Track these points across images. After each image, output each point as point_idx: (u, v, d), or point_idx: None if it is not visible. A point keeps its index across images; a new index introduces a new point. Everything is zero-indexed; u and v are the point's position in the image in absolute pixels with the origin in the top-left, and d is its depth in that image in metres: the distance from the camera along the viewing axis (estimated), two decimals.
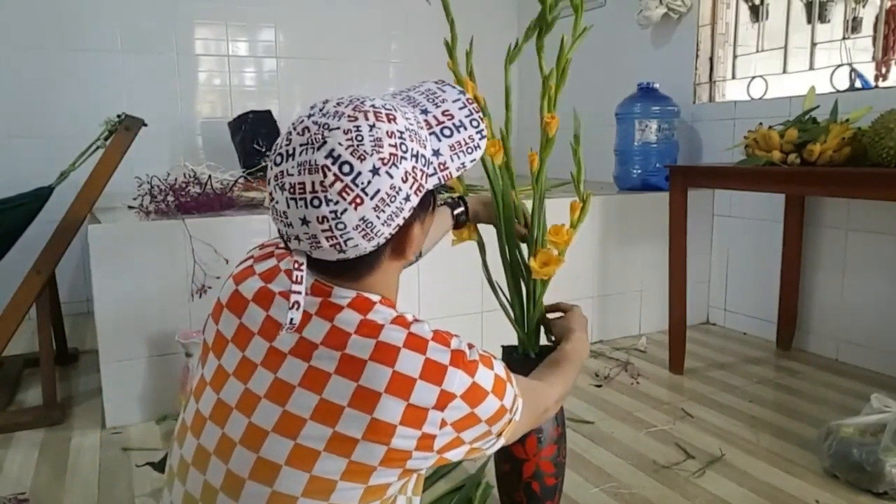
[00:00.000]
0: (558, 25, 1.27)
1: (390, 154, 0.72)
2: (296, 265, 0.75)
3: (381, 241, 0.75)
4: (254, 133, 2.91)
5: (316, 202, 0.70)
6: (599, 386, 2.10)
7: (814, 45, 2.43)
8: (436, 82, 0.89)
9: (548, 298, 1.28)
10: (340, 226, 0.71)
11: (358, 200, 0.71)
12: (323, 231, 0.72)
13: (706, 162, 2.72)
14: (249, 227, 1.95)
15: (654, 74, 2.77)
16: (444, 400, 0.72)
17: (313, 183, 0.70)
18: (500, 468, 1.33)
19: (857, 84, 2.24)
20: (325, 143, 0.71)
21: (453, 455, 0.77)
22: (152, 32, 3.05)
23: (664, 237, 2.21)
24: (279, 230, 0.77)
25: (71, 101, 2.92)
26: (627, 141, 2.68)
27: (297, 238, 0.74)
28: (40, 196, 1.97)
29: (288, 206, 0.72)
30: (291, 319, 0.73)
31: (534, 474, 1.27)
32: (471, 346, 0.78)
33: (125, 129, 1.91)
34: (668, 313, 2.21)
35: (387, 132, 0.72)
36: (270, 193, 0.75)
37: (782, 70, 2.54)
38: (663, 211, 2.21)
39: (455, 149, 0.81)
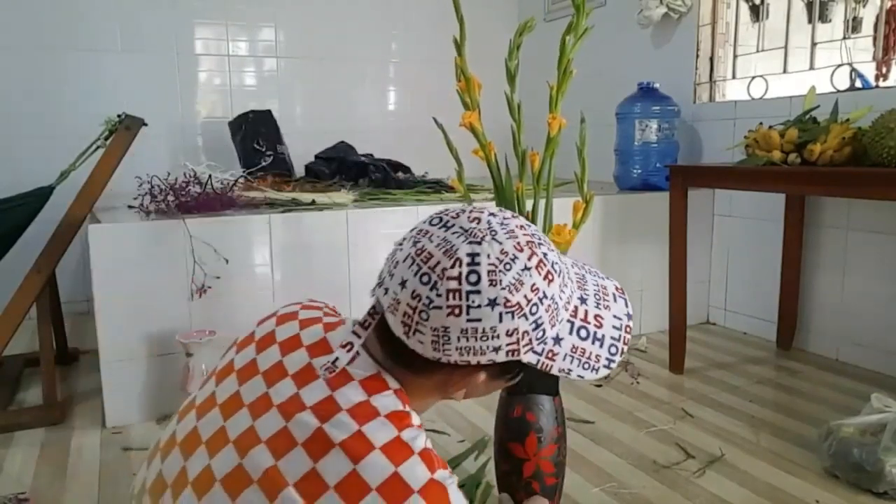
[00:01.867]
0: (556, 26, 1.26)
1: (517, 303, 0.67)
2: (370, 311, 0.74)
3: (444, 359, 0.70)
4: (254, 133, 2.92)
5: (425, 280, 0.67)
6: (599, 386, 2.10)
7: (814, 44, 2.43)
8: (617, 287, 0.86)
9: None
10: (424, 316, 0.67)
11: (456, 312, 0.67)
12: (408, 305, 0.68)
13: (706, 162, 2.72)
14: (250, 227, 1.95)
15: (655, 74, 2.77)
16: None
17: (438, 265, 0.67)
18: (500, 468, 1.33)
19: (858, 84, 2.24)
20: (479, 243, 0.68)
21: None
22: (152, 32, 3.05)
23: (664, 237, 2.21)
24: (382, 269, 0.74)
25: (71, 101, 2.92)
26: (628, 141, 2.68)
27: (385, 289, 0.71)
28: (40, 196, 1.96)
29: (404, 262, 0.70)
30: (336, 359, 0.70)
31: (534, 474, 1.27)
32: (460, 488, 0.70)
33: (125, 128, 1.91)
34: (669, 313, 2.21)
35: (532, 286, 0.68)
36: (404, 239, 0.73)
37: (783, 70, 2.54)
38: (663, 211, 2.21)
39: (576, 351, 0.74)
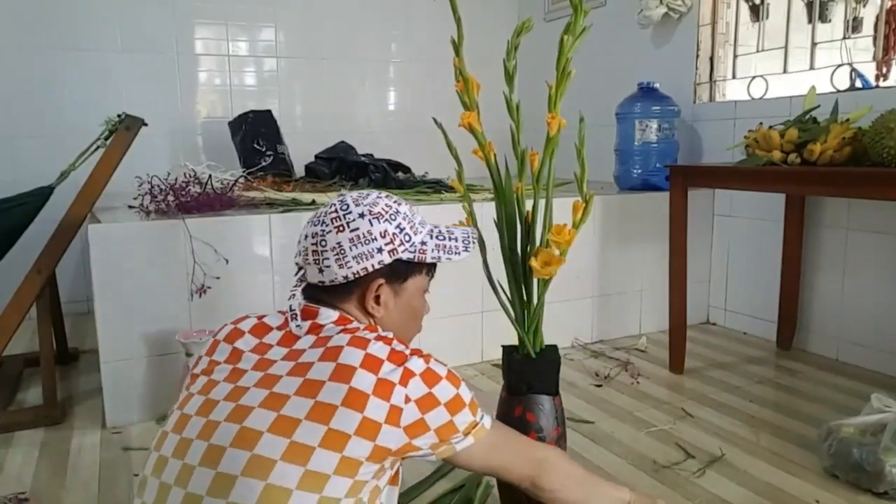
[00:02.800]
0: (556, 26, 1.26)
1: (379, 212, 0.96)
2: (296, 271, 1.02)
3: (350, 274, 0.94)
4: (254, 133, 2.92)
5: (315, 222, 0.98)
6: (599, 386, 2.10)
7: (814, 44, 2.42)
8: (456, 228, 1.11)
9: (548, 298, 1.28)
10: (323, 243, 0.95)
11: (340, 227, 0.95)
12: (311, 245, 0.96)
13: (706, 162, 2.72)
14: (249, 227, 1.95)
15: (655, 74, 2.77)
16: (406, 376, 0.86)
17: (318, 215, 0.98)
18: None
19: (858, 84, 2.24)
20: (342, 196, 1.00)
21: (421, 442, 0.87)
22: (152, 32, 3.05)
23: (664, 237, 2.21)
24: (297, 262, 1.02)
25: (71, 101, 2.92)
26: (628, 141, 2.68)
27: (297, 253, 1.00)
28: (41, 196, 1.97)
29: (304, 239, 0.98)
30: (290, 306, 0.98)
31: None
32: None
33: (125, 128, 1.91)
34: (669, 313, 2.21)
35: (386, 203, 0.98)
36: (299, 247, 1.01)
37: (783, 70, 2.53)
38: (663, 211, 2.21)
39: (439, 248, 1.01)
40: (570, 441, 1.48)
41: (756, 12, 2.65)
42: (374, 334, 0.90)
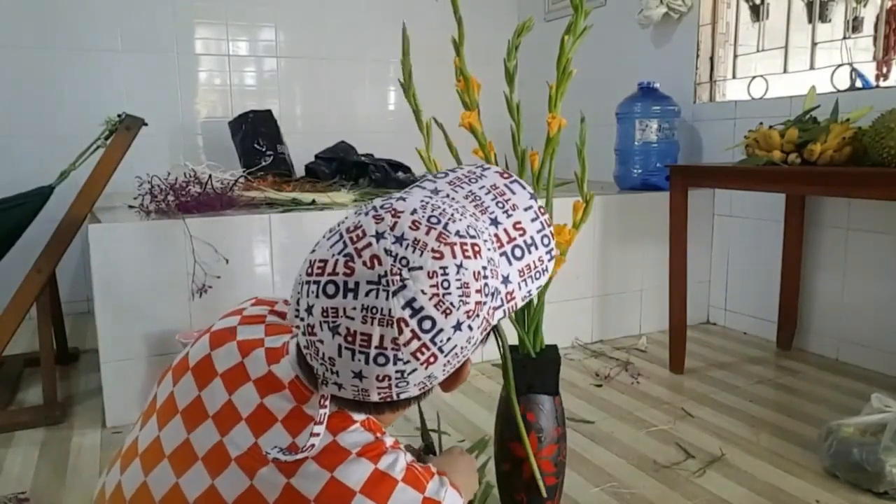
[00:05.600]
0: (556, 26, 1.26)
1: (476, 303, 0.60)
2: (321, 401, 0.63)
3: (435, 381, 0.64)
4: (254, 133, 2.92)
5: (382, 360, 0.58)
6: (599, 386, 2.10)
7: (814, 44, 2.42)
8: (502, 174, 0.75)
9: (548, 298, 1.28)
10: (402, 384, 0.60)
11: (431, 360, 0.60)
12: (379, 388, 0.60)
13: (706, 161, 2.72)
14: (250, 227, 1.95)
15: (655, 74, 2.77)
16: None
17: (382, 337, 0.57)
18: (500, 468, 1.33)
19: (858, 84, 2.24)
20: (404, 287, 0.57)
21: None
22: (152, 32, 3.05)
23: (664, 237, 2.21)
24: (315, 368, 0.63)
25: (71, 101, 2.92)
26: (628, 140, 2.68)
27: (338, 385, 0.61)
28: (41, 195, 1.96)
29: (339, 355, 0.59)
30: (312, 444, 0.61)
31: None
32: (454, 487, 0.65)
33: (126, 128, 1.91)
34: (669, 313, 2.21)
35: (474, 274, 0.60)
36: (308, 326, 0.60)
37: (783, 70, 2.53)
38: (663, 211, 2.21)
39: (524, 274, 0.69)
40: (570, 441, 1.48)
41: (756, 12, 2.65)
42: (369, 469, 0.62)
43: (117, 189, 2.08)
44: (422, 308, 0.57)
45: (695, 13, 2.73)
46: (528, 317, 1.29)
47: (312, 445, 0.60)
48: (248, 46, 3.28)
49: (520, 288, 0.68)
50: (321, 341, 0.59)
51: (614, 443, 1.71)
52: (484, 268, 0.61)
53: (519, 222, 0.70)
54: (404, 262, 0.57)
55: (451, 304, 0.58)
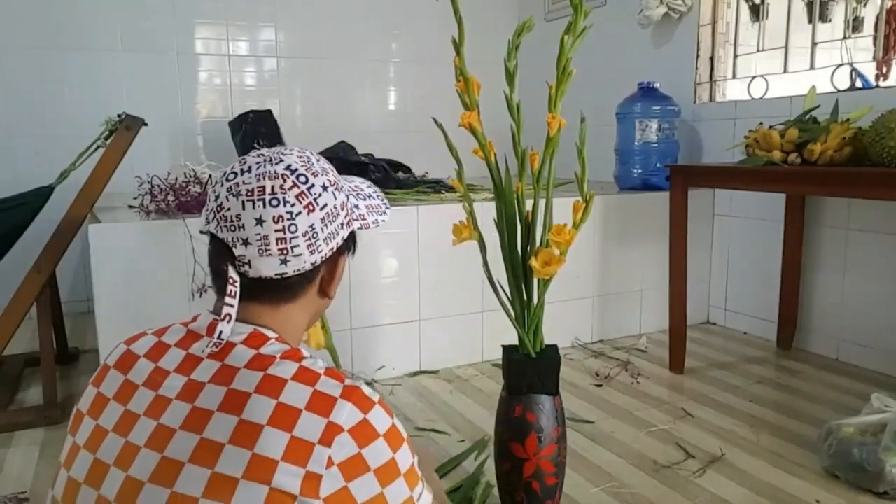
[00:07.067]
0: (556, 26, 1.27)
1: (334, 180, 0.81)
2: (231, 281, 0.75)
3: (319, 259, 0.79)
4: (254, 132, 2.91)
5: (274, 202, 0.75)
6: (600, 385, 2.10)
7: (814, 44, 2.42)
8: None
9: (548, 298, 1.28)
10: (293, 228, 0.75)
11: (311, 207, 0.77)
12: (276, 231, 0.75)
13: (707, 161, 2.72)
14: None
15: (655, 74, 2.77)
16: (330, 433, 0.66)
17: (272, 186, 0.75)
18: (500, 467, 1.33)
19: (858, 84, 2.24)
20: (282, 160, 0.78)
21: None
22: (152, 32, 3.05)
23: (664, 237, 2.21)
24: (225, 238, 0.76)
25: (71, 101, 2.92)
26: (628, 140, 2.68)
27: (244, 242, 0.75)
28: (41, 195, 1.96)
29: (243, 209, 0.75)
30: (220, 333, 0.73)
31: (534, 474, 1.27)
32: (370, 386, 0.75)
33: (126, 128, 1.91)
34: (669, 313, 2.21)
35: (327, 166, 0.82)
36: (215, 208, 0.77)
37: (783, 70, 2.54)
38: (664, 211, 2.21)
39: (370, 209, 0.88)
40: (570, 441, 1.48)
41: (756, 12, 2.65)
42: (294, 366, 0.71)
43: (117, 189, 2.08)
44: (297, 169, 0.77)
45: (695, 13, 2.73)
46: (528, 317, 1.29)
47: (229, 315, 0.73)
48: (248, 46, 3.28)
49: (368, 214, 0.87)
50: (228, 209, 0.76)
51: (614, 443, 1.71)
52: (335, 169, 0.84)
53: (358, 186, 0.91)
54: (279, 152, 0.79)
55: (316, 171, 0.79)
